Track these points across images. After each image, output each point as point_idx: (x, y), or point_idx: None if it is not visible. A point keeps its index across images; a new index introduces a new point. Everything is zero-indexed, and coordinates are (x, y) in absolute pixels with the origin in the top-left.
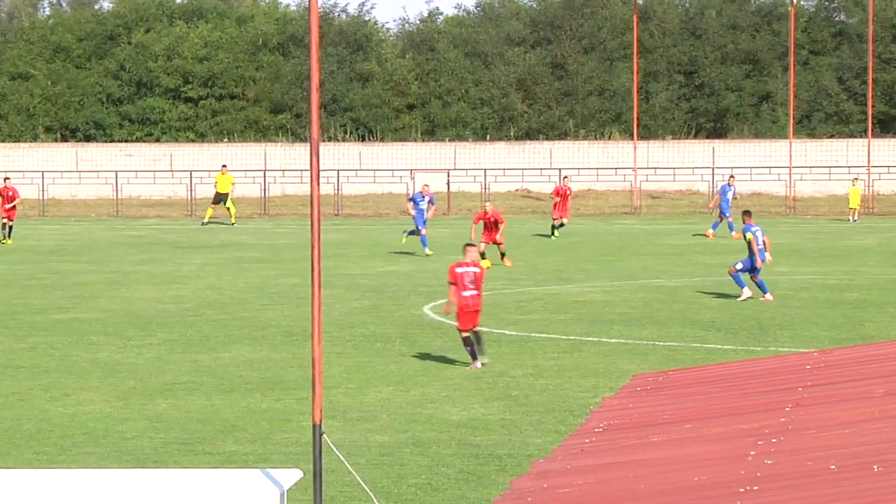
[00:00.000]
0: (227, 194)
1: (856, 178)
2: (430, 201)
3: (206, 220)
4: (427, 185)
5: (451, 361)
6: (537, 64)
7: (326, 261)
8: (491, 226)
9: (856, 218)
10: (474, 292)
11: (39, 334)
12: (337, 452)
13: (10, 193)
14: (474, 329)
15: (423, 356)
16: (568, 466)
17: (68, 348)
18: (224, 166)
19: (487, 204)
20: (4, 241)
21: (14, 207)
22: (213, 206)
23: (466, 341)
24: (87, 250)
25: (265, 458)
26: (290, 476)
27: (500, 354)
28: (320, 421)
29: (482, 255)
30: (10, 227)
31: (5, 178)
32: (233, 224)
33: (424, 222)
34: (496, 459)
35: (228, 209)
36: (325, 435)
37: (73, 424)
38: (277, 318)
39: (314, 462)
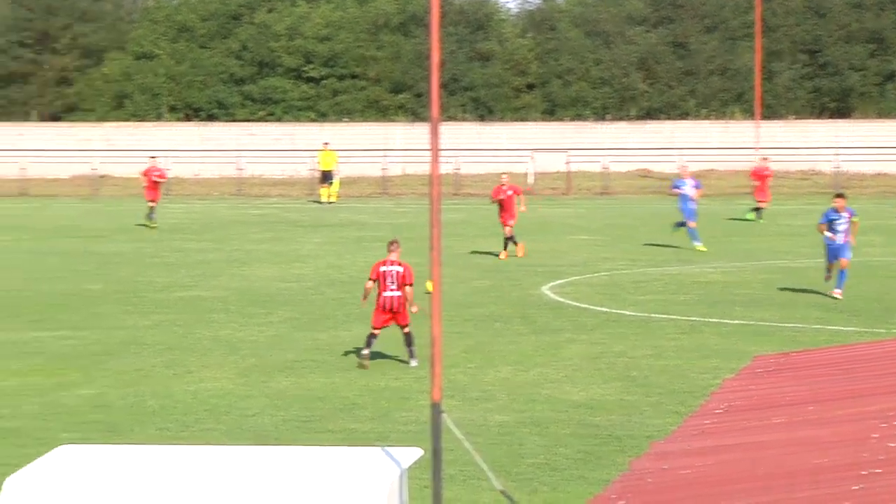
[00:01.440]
0: (331, 171)
1: None
2: (695, 185)
3: (323, 201)
4: (686, 166)
5: (571, 342)
6: (658, 43)
7: (445, 240)
8: (508, 203)
9: None
10: (396, 293)
11: (163, 312)
12: (456, 431)
13: (157, 174)
14: (404, 329)
15: (542, 336)
16: (687, 447)
17: (191, 326)
18: (326, 143)
19: (504, 176)
20: (152, 226)
21: (158, 187)
22: (323, 185)
23: (371, 338)
24: (209, 229)
25: (384, 436)
26: (411, 454)
27: (620, 335)
28: (439, 399)
29: (513, 241)
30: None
31: (151, 157)
32: (330, 203)
33: (693, 213)
34: (615, 440)
35: (329, 186)
36: (444, 414)
37: (196, 401)
38: None
39: (433, 441)
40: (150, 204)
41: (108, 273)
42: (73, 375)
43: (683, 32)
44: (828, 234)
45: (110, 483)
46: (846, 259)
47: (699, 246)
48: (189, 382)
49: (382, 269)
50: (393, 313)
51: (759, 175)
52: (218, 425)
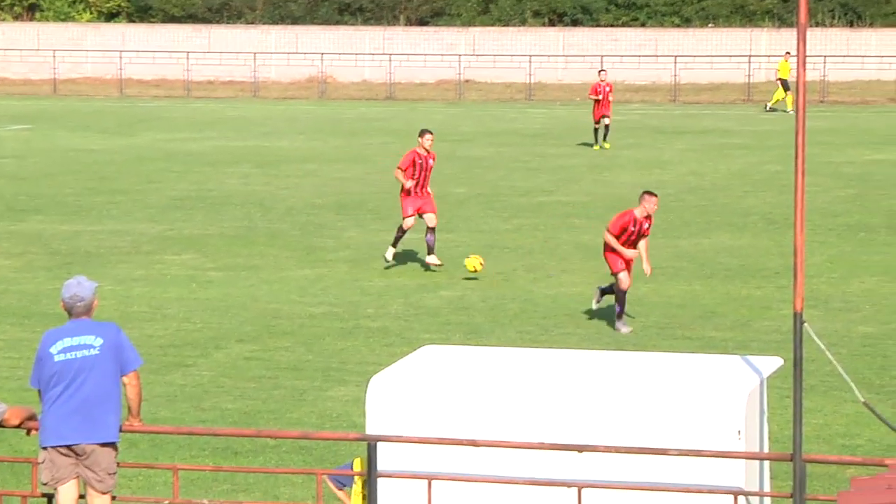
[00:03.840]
0: (786, 80)
1: None
2: None
3: (788, 109)
4: None
5: None
6: None
7: (810, 148)
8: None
9: None
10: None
11: (524, 216)
12: (818, 341)
13: (608, 88)
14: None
15: None
16: None
17: (552, 230)
18: (787, 53)
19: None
20: (600, 146)
21: (609, 105)
22: (787, 92)
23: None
24: (570, 134)
25: (744, 345)
26: (772, 363)
27: None
28: (801, 309)
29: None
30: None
31: (600, 71)
32: (787, 111)
33: None
34: None
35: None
36: (806, 324)
37: (556, 305)
38: (759, 205)
39: (794, 350)
40: (598, 124)
41: (473, 177)
42: (437, 277)
43: None
44: None
45: (471, 384)
46: None
47: None
48: (549, 286)
49: None
50: None
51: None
52: (577, 329)
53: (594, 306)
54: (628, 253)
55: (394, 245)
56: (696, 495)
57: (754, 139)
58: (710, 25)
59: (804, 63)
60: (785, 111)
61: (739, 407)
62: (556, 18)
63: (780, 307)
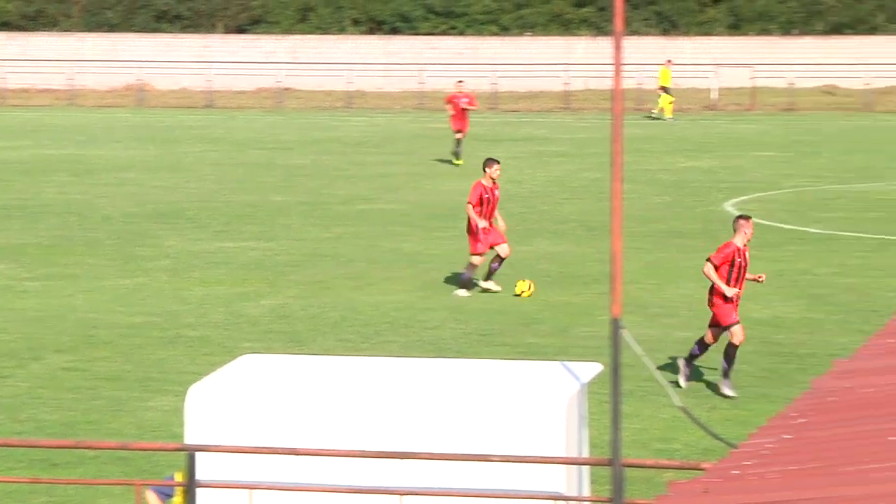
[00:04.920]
0: (668, 87)
1: None
2: None
3: (667, 117)
4: None
5: (754, 258)
6: None
7: (627, 155)
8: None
9: None
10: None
11: (345, 224)
12: (636, 347)
13: (466, 100)
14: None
15: None
16: (872, 366)
17: (373, 239)
18: (669, 61)
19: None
20: (457, 162)
21: (466, 115)
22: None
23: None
24: (391, 142)
25: (564, 351)
26: (591, 369)
27: (804, 253)
28: (619, 315)
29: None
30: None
31: (458, 82)
32: (664, 119)
33: None
34: (797, 358)
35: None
36: (624, 329)
37: (377, 313)
38: (577, 211)
39: (613, 356)
40: (458, 135)
41: (293, 185)
42: (257, 286)
43: None
44: None
45: (292, 392)
46: None
47: None
48: (370, 294)
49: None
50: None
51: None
52: (398, 337)
53: (683, 385)
54: (729, 291)
55: (467, 286)
56: (517, 500)
57: (572, 147)
58: (528, 34)
59: (620, 71)
60: (662, 119)
61: (559, 413)
62: (376, 26)
63: (599, 313)
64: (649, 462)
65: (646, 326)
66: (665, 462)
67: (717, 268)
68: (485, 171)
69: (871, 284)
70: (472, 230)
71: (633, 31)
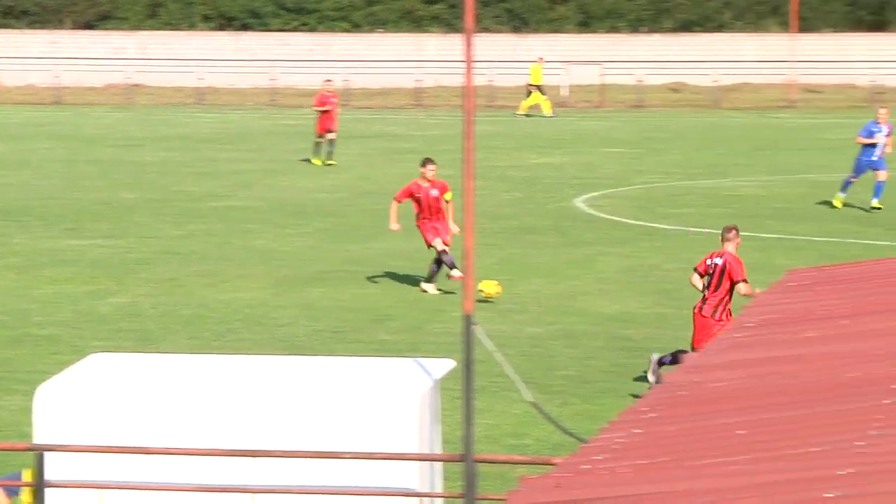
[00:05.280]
0: (540, 85)
1: None
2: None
3: (547, 113)
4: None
5: (604, 254)
6: None
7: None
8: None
9: None
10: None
11: (196, 221)
12: (488, 343)
13: (332, 98)
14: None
15: (575, 249)
16: (720, 361)
17: (224, 236)
18: (540, 58)
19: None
20: (327, 162)
21: (332, 116)
22: (544, 97)
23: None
24: (243, 139)
25: (416, 348)
26: (443, 366)
27: (653, 248)
28: (471, 311)
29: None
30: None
31: (325, 81)
32: (544, 115)
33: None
34: (647, 353)
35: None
36: (476, 326)
37: (229, 310)
38: None
39: (465, 352)
40: (321, 138)
41: (143, 182)
42: (107, 284)
43: None
44: (867, 141)
45: (142, 391)
46: (884, 171)
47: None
48: (222, 292)
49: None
50: None
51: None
52: (250, 335)
53: (651, 379)
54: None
55: (431, 279)
56: (370, 498)
57: (424, 143)
58: (379, 31)
59: (471, 68)
60: (541, 115)
61: (412, 410)
62: (226, 22)
63: (451, 309)
64: (501, 458)
65: (498, 322)
66: (517, 457)
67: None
68: (420, 170)
69: None
70: (419, 224)
71: (483, 29)
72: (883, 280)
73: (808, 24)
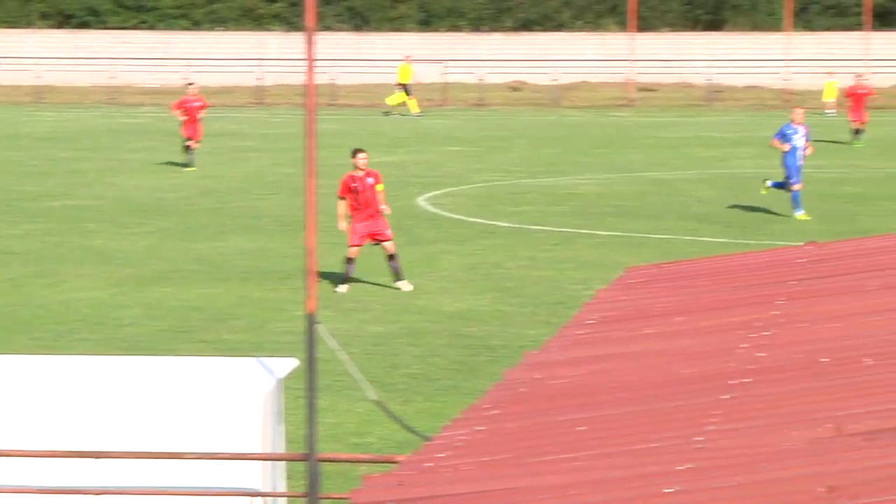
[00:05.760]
0: (407, 84)
1: (831, 72)
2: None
3: (414, 112)
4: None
5: (446, 253)
6: None
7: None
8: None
9: (833, 111)
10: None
11: (34, 221)
12: (330, 342)
13: (198, 104)
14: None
15: (418, 247)
16: (560, 358)
17: (63, 235)
18: (407, 57)
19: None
20: (189, 170)
21: (198, 122)
22: (410, 97)
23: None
24: (82, 137)
25: (260, 347)
26: (286, 365)
27: (495, 246)
28: (314, 310)
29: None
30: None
31: (188, 85)
32: (412, 115)
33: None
34: (489, 350)
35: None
36: (319, 324)
37: (69, 311)
38: (272, 207)
39: (308, 351)
40: (189, 143)
41: None
42: None
43: None
44: (786, 146)
45: None
46: (798, 183)
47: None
48: (62, 292)
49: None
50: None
51: (855, 94)
52: (92, 335)
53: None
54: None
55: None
56: (213, 498)
57: (266, 142)
58: (219, 29)
59: (313, 67)
60: (408, 115)
61: (255, 410)
62: (65, 20)
63: (294, 308)
64: (344, 456)
65: (341, 321)
66: (360, 456)
67: None
68: (352, 160)
69: (559, 277)
70: (353, 219)
71: (325, 27)
72: (719, 277)
73: (646, 24)
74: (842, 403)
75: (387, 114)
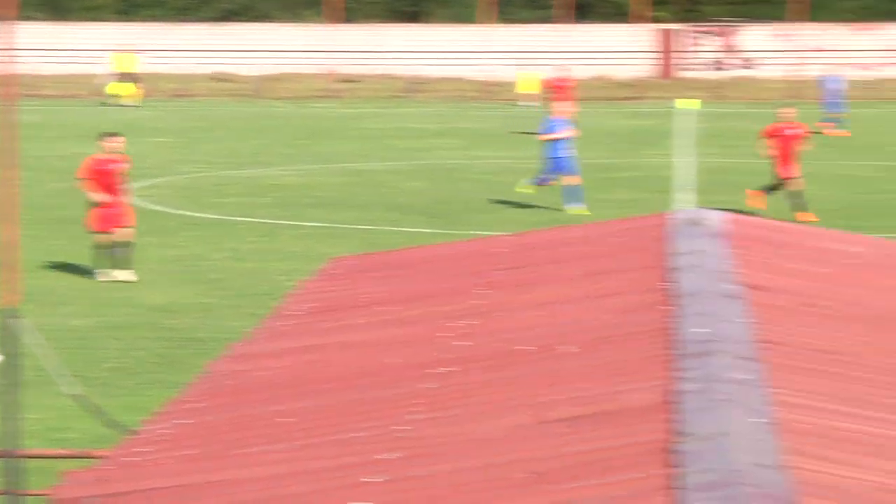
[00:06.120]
0: (133, 73)
1: (529, 65)
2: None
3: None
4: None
5: (150, 245)
6: None
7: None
8: None
9: (532, 103)
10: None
11: None
12: (31, 337)
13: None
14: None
15: None
16: (265, 349)
17: None
18: (131, 47)
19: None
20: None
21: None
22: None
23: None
24: None
25: None
26: None
27: (199, 238)
28: (16, 304)
29: None
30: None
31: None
32: (131, 105)
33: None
34: (194, 343)
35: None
36: (20, 319)
37: None
38: None
39: (9, 346)
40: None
41: None
42: None
43: None
44: (552, 137)
45: None
46: (575, 176)
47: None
48: None
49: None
50: None
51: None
52: None
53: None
54: None
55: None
56: None
57: None
58: None
59: (12, 57)
60: (122, 105)
61: None
62: None
63: None
64: (46, 452)
65: (44, 315)
66: (62, 451)
67: None
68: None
69: (263, 268)
70: (101, 207)
71: (25, 17)
72: (423, 267)
73: (347, 15)
74: (542, 391)
75: (104, 104)
